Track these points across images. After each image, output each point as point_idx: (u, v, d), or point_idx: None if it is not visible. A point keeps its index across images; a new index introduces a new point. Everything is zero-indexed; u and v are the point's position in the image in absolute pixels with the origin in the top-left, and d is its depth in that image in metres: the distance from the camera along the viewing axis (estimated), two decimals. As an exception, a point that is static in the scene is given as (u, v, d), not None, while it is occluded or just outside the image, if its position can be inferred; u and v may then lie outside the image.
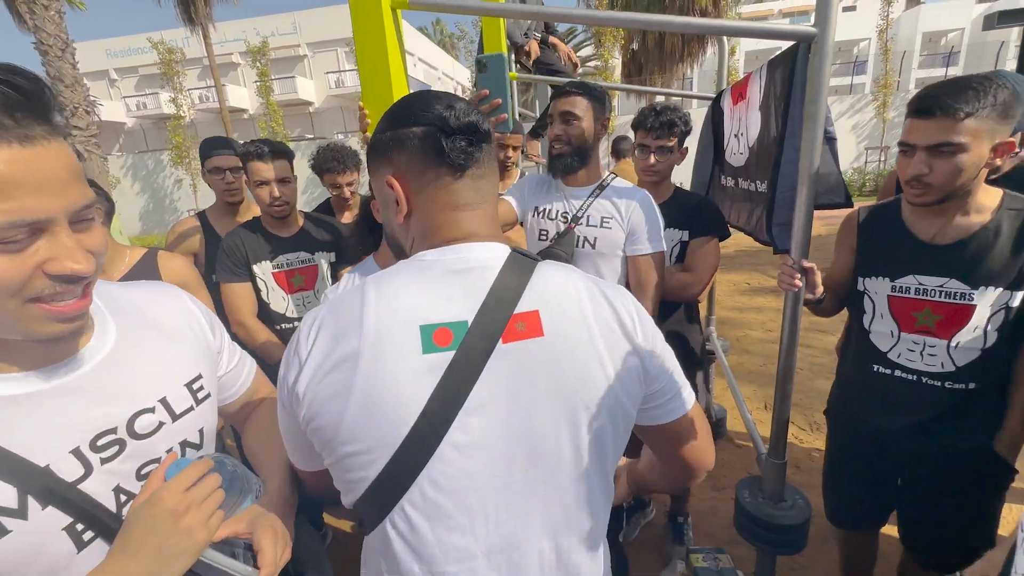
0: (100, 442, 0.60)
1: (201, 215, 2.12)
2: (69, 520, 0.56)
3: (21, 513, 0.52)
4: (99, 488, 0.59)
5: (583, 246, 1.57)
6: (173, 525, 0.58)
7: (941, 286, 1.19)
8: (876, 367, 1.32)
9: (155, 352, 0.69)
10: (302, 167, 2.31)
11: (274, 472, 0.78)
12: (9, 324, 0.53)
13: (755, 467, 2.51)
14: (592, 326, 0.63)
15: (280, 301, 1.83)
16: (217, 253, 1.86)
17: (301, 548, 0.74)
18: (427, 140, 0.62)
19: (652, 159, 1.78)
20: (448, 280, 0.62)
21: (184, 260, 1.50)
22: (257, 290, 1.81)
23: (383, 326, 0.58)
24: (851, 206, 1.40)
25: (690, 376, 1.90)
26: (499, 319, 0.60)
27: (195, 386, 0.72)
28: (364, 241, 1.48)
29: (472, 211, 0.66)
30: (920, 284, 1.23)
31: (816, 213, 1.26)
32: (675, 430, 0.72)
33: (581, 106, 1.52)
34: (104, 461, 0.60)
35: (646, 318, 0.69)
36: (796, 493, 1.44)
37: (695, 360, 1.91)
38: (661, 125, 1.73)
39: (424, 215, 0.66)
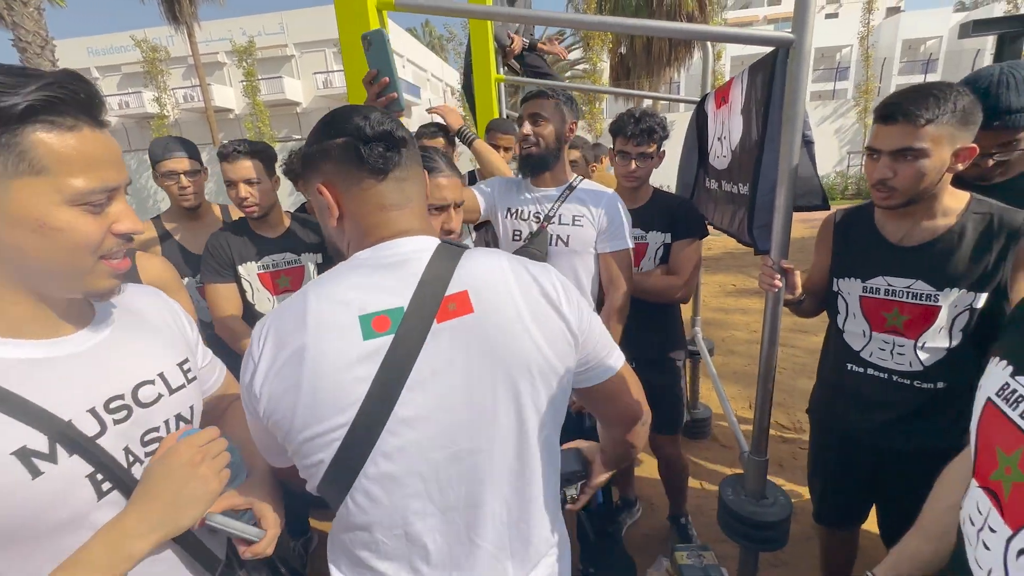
0: (112, 405, 0.66)
1: (156, 220, 1.98)
2: (91, 469, 0.62)
3: (52, 458, 0.58)
4: (113, 445, 0.65)
5: (556, 244, 1.59)
6: (190, 472, 0.66)
7: (908, 287, 1.23)
8: (850, 366, 1.36)
9: (148, 336, 0.76)
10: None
11: (256, 456, 0.82)
12: (77, 280, 0.61)
13: (739, 466, 2.54)
14: (518, 299, 0.69)
15: (265, 302, 1.82)
16: (173, 257, 1.85)
17: (281, 549, 0.77)
18: (347, 149, 0.68)
19: (633, 165, 1.80)
20: (383, 273, 0.68)
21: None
22: (242, 291, 1.79)
23: (324, 321, 0.64)
24: (828, 208, 1.43)
25: (673, 376, 1.94)
26: (432, 302, 0.66)
27: (185, 367, 0.79)
28: None
29: (399, 210, 0.71)
30: (889, 285, 1.26)
31: (799, 216, 1.28)
32: (609, 388, 0.81)
33: (548, 108, 1.56)
34: (116, 422, 0.66)
35: (571, 290, 0.75)
36: (778, 490, 1.47)
37: (676, 359, 1.94)
38: (641, 132, 1.75)
39: (355, 218, 0.71)
